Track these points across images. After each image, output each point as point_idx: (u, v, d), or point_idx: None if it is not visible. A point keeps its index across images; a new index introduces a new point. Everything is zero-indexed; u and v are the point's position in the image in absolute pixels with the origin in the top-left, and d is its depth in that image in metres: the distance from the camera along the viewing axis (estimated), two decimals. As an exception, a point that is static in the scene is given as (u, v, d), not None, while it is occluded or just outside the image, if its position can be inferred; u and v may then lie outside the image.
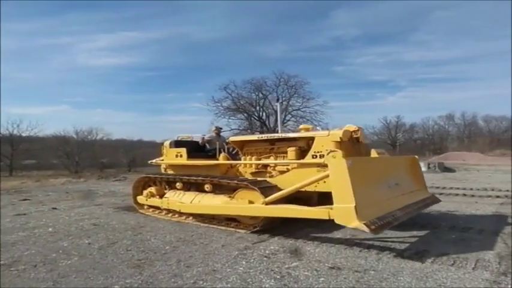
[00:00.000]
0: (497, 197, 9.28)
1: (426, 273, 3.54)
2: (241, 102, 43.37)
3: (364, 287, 3.20)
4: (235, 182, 5.78)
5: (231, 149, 7.37)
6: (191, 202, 6.22)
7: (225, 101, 42.75)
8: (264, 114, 45.20)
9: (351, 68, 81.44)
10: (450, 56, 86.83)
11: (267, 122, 45.09)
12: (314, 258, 4.12)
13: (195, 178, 6.42)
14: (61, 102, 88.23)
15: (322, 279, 3.44)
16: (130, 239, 5.22)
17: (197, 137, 8.36)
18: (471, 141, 55.52)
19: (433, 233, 5.27)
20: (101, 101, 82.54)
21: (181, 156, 7.28)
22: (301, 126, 6.47)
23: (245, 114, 44.18)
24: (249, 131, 44.85)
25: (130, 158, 29.80)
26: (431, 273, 3.54)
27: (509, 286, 3.17)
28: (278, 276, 3.53)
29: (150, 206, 7.23)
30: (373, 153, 6.33)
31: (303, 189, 5.24)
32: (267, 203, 5.08)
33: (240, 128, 44.51)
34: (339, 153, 4.94)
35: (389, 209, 4.64)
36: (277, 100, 9.05)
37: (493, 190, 10.77)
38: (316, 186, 5.17)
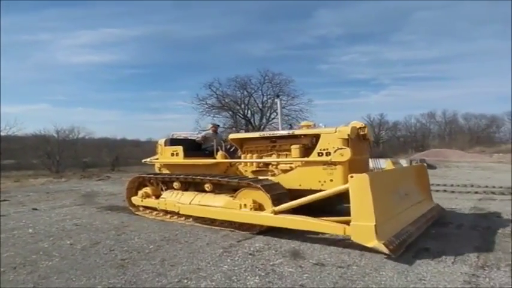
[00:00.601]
0: (476, 192, 9.54)
1: (407, 267, 3.62)
2: (226, 100, 43.24)
3: (347, 282, 3.25)
4: (238, 181, 5.52)
5: (228, 147, 7.12)
6: (190, 203, 5.97)
7: (209, 99, 42.55)
8: (249, 112, 45.19)
9: (335, 66, 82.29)
10: (431, 56, 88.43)
11: (252, 120, 45.12)
12: (299, 255, 4.15)
13: (194, 177, 6.16)
14: (41, 100, 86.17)
15: (306, 275, 3.48)
16: (113, 238, 5.15)
17: (193, 135, 8.21)
18: (452, 139, 56.79)
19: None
20: (83, 99, 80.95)
21: (177, 154, 7.02)
22: (302, 123, 6.18)
23: (230, 112, 44.06)
24: (233, 129, 44.84)
25: (113, 157, 29.36)
26: (412, 267, 3.62)
27: (487, 279, 3.26)
28: (263, 273, 3.55)
29: (145, 207, 6.97)
30: (389, 165, 6.28)
31: (306, 188, 5.22)
32: (276, 212, 4.87)
33: (225, 126, 44.43)
34: (347, 150, 4.89)
35: (403, 225, 4.56)
36: (277, 96, 8.77)
37: (472, 186, 11.05)
38: (322, 185, 5.12)
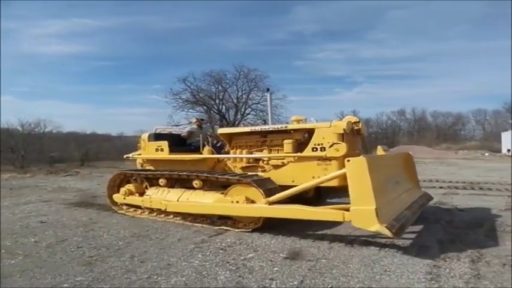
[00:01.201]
0: (441, 187, 9.94)
1: (374, 259, 3.74)
2: (201, 95, 42.83)
3: (316, 275, 3.32)
4: (230, 177, 5.29)
5: (215, 142, 6.91)
6: (178, 200, 5.70)
7: (183, 93, 41.99)
8: (223, 107, 44.98)
9: (310, 63, 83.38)
10: (403, 55, 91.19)
11: (226, 116, 44.94)
12: (270, 249, 4.20)
13: (182, 174, 5.85)
14: (3, 92, 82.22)
15: (276, 268, 3.53)
16: (81, 235, 5.02)
17: (178, 130, 7.97)
18: (420, 136, 58.90)
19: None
20: (49, 92, 77.86)
21: (162, 150, 6.71)
22: (293, 118, 5.97)
23: (204, 107, 43.69)
24: (208, 124, 44.51)
25: (83, 152, 28.47)
26: (378, 259, 3.74)
27: (447, 270, 3.42)
28: (233, 268, 3.57)
29: (128, 205, 6.61)
30: (380, 151, 6.21)
31: (299, 184, 5.04)
32: (270, 203, 4.72)
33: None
34: (343, 145, 4.83)
35: (400, 209, 4.53)
36: (267, 90, 8.22)
37: (437, 181, 11.49)
38: (313, 178, 5.00)
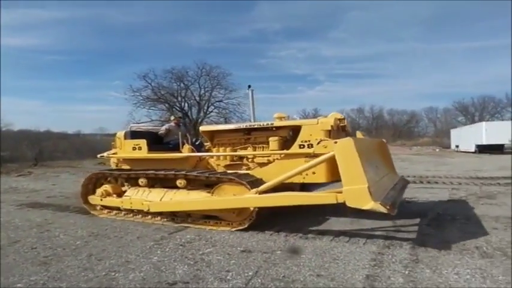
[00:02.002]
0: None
1: (325, 249, 3.99)
2: (162, 92, 42.13)
3: (270, 265, 3.51)
4: (219, 176, 5.24)
5: (193, 140, 6.79)
6: (161, 200, 5.50)
7: (144, 90, 41.13)
8: (186, 105, 44.49)
9: (273, 61, 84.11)
10: (362, 54, 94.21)
11: (189, 113, 44.48)
12: (228, 244, 4.34)
13: (169, 173, 5.63)
14: None
15: (233, 261, 3.68)
16: (35, 236, 4.91)
17: (154, 128, 7.76)
18: (378, 133, 61.37)
19: (333, 215, 5.76)
20: (-1, 87, 73.04)
21: (140, 148, 6.44)
22: (275, 115, 5.89)
23: (166, 105, 43.01)
24: (188, 122, 43.87)
25: (36, 151, 27.13)
26: (329, 249, 4.00)
27: (390, 256, 3.73)
28: (192, 262, 3.68)
29: (105, 207, 6.34)
30: (359, 135, 6.18)
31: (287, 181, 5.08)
32: (260, 192, 4.69)
33: (162, 119, 43.32)
34: (331, 142, 4.69)
35: (387, 189, 4.57)
36: (249, 87, 7.90)
37: (390, 176, 12.14)
38: (304, 178, 5.04)
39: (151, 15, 73.81)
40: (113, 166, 7.11)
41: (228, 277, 3.25)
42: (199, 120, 44.06)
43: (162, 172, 5.70)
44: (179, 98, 43.67)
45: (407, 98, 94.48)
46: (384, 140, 6.86)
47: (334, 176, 4.68)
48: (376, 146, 6.18)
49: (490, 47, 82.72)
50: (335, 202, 4.11)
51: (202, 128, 6.55)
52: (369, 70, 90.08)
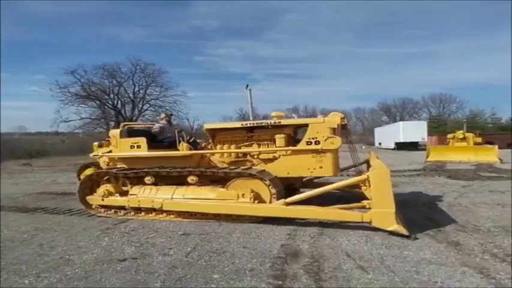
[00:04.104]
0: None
1: (251, 230, 4.82)
2: (92, 89, 40.43)
3: (205, 243, 4.26)
4: (235, 172, 5.42)
5: (188, 138, 6.72)
6: (172, 197, 5.54)
7: (72, 86, 39.19)
8: (119, 102, 43.15)
9: (211, 58, 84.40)
10: (297, 55, 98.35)
11: (122, 111, 43.20)
12: (169, 230, 4.99)
13: (184, 170, 5.70)
14: None
15: (174, 242, 4.37)
16: (-22, 233, 5.10)
17: (147, 126, 7.70)
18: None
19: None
20: None
21: (139, 147, 6.35)
22: (273, 114, 6.12)
23: (97, 102, 41.37)
24: (102, 120, 42.24)
25: None
26: (255, 229, 4.85)
27: (302, 232, 4.67)
28: (138, 245, 4.29)
29: (104, 207, 6.17)
30: (373, 157, 6.12)
31: (294, 176, 5.59)
32: (287, 204, 4.98)
33: (92, 117, 41.58)
34: (338, 139, 5.25)
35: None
36: (247, 86, 7.95)
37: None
38: (312, 172, 5.47)
39: (80, 5, 69.90)
40: (103, 166, 6.92)
41: (171, 252, 3.94)
42: (134, 118, 42.99)
43: (179, 169, 5.76)
44: (111, 95, 42.26)
45: (339, 98, 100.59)
46: None
47: (337, 171, 5.49)
48: None
49: (410, 54, 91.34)
50: (360, 221, 4.55)
51: (206, 126, 6.37)
52: (304, 71, 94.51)
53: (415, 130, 33.76)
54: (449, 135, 21.11)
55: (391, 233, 4.32)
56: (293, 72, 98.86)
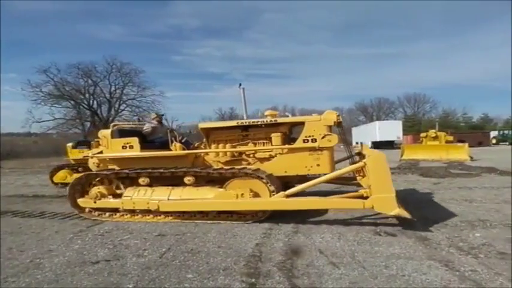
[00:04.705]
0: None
1: (227, 229, 4.84)
2: (67, 89, 39.47)
3: (181, 243, 4.25)
4: (234, 171, 5.36)
5: (180, 138, 6.55)
6: (168, 198, 5.40)
7: (45, 85, 38.15)
8: (95, 102, 42.29)
9: (189, 58, 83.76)
10: (276, 55, 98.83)
11: (98, 111, 42.34)
12: (144, 231, 4.94)
13: (179, 170, 5.57)
14: None
15: (149, 243, 4.33)
16: None
17: (138, 126, 7.47)
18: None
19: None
20: None
21: (131, 147, 6.16)
22: (267, 113, 6.10)
23: (72, 102, 40.41)
24: (77, 120, 41.27)
25: None
26: (231, 229, 4.87)
27: (277, 230, 4.72)
28: (111, 247, 4.23)
29: (97, 209, 5.96)
30: (365, 147, 6.56)
31: (291, 174, 5.56)
32: (288, 196, 4.99)
33: (67, 118, 40.56)
34: (334, 137, 5.32)
35: None
36: (240, 85, 7.80)
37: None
38: (309, 170, 5.48)
39: (55, 3, 67.93)
40: (93, 168, 6.67)
41: (145, 253, 3.91)
42: (110, 118, 42.21)
43: (180, 169, 5.61)
44: (87, 95, 41.41)
45: (317, 98, 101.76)
46: None
47: (334, 168, 5.57)
48: None
49: (386, 55, 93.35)
50: (362, 208, 4.61)
51: (201, 125, 6.24)
52: (283, 71, 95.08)
53: (390, 129, 34.63)
54: (423, 134, 21.76)
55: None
56: (272, 72, 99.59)
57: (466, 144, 17.83)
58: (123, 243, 4.36)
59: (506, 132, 42.42)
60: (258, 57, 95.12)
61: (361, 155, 6.33)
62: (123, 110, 43.33)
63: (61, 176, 10.63)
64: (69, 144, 11.43)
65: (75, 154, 11.09)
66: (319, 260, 3.54)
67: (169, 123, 7.58)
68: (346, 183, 6.79)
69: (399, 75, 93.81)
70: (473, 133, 39.68)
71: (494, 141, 40.15)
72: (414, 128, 52.10)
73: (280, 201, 5.00)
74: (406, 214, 4.39)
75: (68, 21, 73.77)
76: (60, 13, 71.44)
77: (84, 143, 11.91)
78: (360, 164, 5.09)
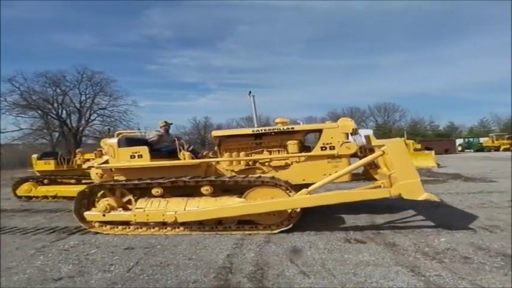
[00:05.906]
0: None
1: (198, 241, 4.76)
2: (33, 98, 38.12)
3: (150, 257, 4.14)
4: (254, 180, 5.17)
5: (187, 146, 6.42)
6: (185, 209, 5.10)
7: (10, 95, 36.74)
8: (64, 112, 41.02)
9: (164, 68, 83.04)
10: (250, 66, 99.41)
11: (68, 121, 41.08)
12: (112, 245, 4.79)
13: (203, 180, 5.27)
14: None
15: (117, 257, 4.19)
16: None
17: (144, 135, 7.10)
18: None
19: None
20: None
21: (140, 156, 5.88)
22: (277, 120, 6.09)
23: (39, 112, 39.00)
24: (45, 130, 39.86)
25: None
26: (201, 240, 4.79)
27: (249, 240, 4.69)
28: (76, 262, 4.07)
29: (105, 222, 5.58)
30: (373, 139, 6.23)
31: (309, 182, 5.20)
32: (310, 193, 4.81)
33: (33, 128, 39.05)
34: (353, 144, 5.32)
35: None
36: (250, 93, 7.58)
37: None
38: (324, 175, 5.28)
39: (23, 10, 65.65)
40: (96, 179, 6.31)
41: (112, 268, 3.78)
42: (81, 128, 41.08)
43: (184, 180, 5.31)
44: (55, 105, 40.17)
45: (291, 108, 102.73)
46: None
47: (352, 175, 5.52)
48: None
49: (357, 66, 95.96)
50: (388, 196, 4.54)
51: (214, 133, 6.15)
52: (257, 81, 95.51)
53: (362, 138, 35.38)
54: (392, 142, 22.36)
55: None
56: (247, 82, 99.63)
57: (433, 152, 18.50)
58: (89, 258, 4.20)
59: (471, 139, 44.43)
60: (233, 67, 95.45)
61: (370, 147, 6.13)
62: (94, 119, 42.27)
63: (25, 188, 10.22)
64: (34, 156, 11.02)
65: (40, 166, 10.70)
66: (290, 270, 3.53)
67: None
68: (356, 179, 6.43)
69: (370, 86, 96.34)
70: (440, 141, 41.24)
71: (460, 148, 41.91)
72: (385, 136, 53.43)
73: (304, 199, 4.82)
74: (435, 198, 4.42)
75: (35, 29, 71.36)
76: (27, 21, 69.00)
77: (51, 154, 11.51)
78: (379, 152, 4.86)
